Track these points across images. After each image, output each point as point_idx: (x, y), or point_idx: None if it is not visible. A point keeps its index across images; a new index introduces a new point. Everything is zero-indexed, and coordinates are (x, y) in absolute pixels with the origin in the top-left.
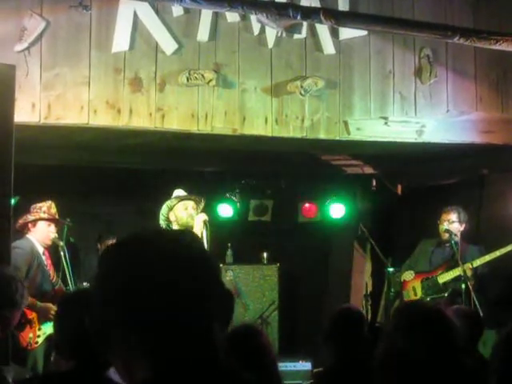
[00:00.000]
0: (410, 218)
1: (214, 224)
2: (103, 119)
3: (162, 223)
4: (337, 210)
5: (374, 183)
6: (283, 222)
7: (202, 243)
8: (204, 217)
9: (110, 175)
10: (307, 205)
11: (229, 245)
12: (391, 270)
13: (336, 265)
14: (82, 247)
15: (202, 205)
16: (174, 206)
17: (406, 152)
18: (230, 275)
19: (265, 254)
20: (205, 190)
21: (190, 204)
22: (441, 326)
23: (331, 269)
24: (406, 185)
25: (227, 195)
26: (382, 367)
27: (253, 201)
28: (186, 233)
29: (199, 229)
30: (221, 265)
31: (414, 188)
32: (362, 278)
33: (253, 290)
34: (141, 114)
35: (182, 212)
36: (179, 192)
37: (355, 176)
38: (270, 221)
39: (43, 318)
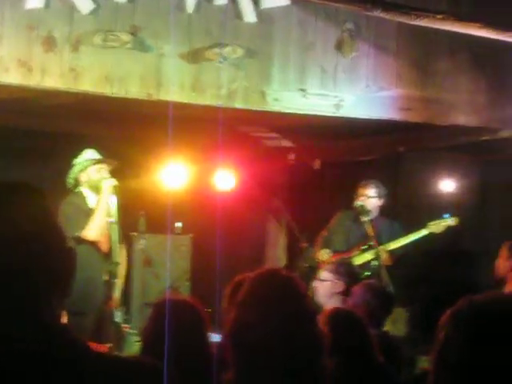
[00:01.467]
0: (326, 193)
1: (126, 190)
2: (14, 78)
3: (70, 182)
4: (251, 182)
5: (292, 157)
6: (198, 192)
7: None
8: (113, 182)
9: (18, 137)
10: (222, 175)
11: (141, 213)
12: (305, 244)
13: (249, 237)
14: None
15: (111, 168)
16: (88, 167)
17: (324, 126)
18: (142, 244)
19: (178, 224)
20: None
21: (105, 167)
22: (292, 294)
23: (244, 241)
24: (324, 160)
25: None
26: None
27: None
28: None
29: (107, 194)
30: (133, 233)
31: (332, 163)
32: (276, 252)
33: (165, 259)
34: (53, 74)
35: (95, 174)
36: (91, 153)
37: (273, 149)
38: (184, 190)
39: None
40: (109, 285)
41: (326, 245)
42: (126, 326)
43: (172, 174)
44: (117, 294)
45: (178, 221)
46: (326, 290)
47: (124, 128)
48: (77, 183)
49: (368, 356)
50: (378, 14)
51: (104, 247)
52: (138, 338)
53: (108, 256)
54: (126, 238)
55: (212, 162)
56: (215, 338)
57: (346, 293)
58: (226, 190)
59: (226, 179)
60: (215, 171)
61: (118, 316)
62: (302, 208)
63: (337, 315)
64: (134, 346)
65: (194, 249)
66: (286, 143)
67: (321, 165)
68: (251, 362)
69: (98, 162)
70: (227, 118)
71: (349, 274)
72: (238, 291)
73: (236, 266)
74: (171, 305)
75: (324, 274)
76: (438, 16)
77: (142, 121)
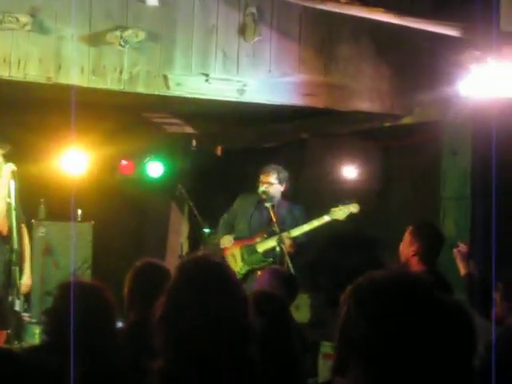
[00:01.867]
0: (229, 180)
1: (25, 177)
2: None
3: None
4: (154, 169)
5: (194, 143)
6: (100, 179)
7: None
8: (12, 167)
9: None
10: (125, 162)
11: (41, 200)
12: (207, 231)
13: (152, 225)
14: None
15: (4, 152)
16: None
17: (228, 112)
18: (42, 232)
19: (79, 211)
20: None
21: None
22: (223, 279)
23: (147, 229)
24: (226, 146)
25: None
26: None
27: (67, 154)
28: None
29: (6, 179)
30: (32, 220)
31: (234, 150)
32: (178, 239)
33: (66, 247)
34: None
35: None
36: None
37: (175, 135)
38: (85, 177)
39: None
40: (8, 272)
41: (228, 229)
42: (25, 314)
43: (72, 161)
44: (22, 280)
45: (79, 208)
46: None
47: (22, 113)
48: None
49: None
50: None
51: (3, 233)
52: (37, 327)
53: (6, 242)
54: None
55: (113, 148)
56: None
57: None
58: (128, 177)
59: (127, 166)
60: (116, 158)
61: (18, 304)
62: (205, 195)
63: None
64: (34, 335)
65: (95, 236)
66: (189, 129)
67: (224, 152)
68: (182, 349)
69: None
70: (130, 103)
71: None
72: (140, 277)
73: (138, 253)
74: (77, 287)
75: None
76: (343, 0)
77: (42, 106)
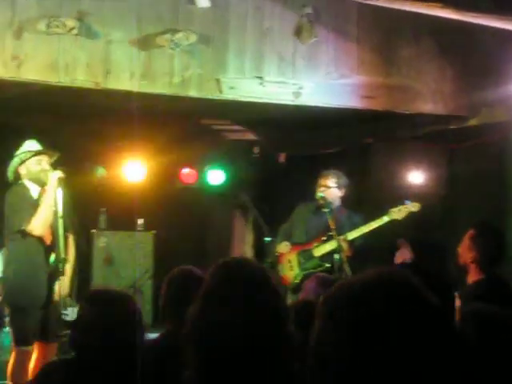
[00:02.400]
0: (292, 188)
1: (85, 187)
2: None
3: (10, 176)
4: (216, 177)
5: (257, 150)
6: (161, 187)
7: None
8: (59, 174)
9: None
10: (186, 170)
11: (102, 209)
12: (268, 239)
13: (215, 234)
14: None
15: (54, 159)
16: (28, 159)
17: (284, 116)
18: (103, 241)
19: (140, 221)
20: (76, 151)
21: (45, 159)
22: (264, 288)
23: (210, 238)
24: (289, 153)
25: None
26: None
27: (127, 163)
28: None
29: (53, 187)
30: (93, 230)
31: (297, 156)
32: (243, 249)
33: (126, 257)
34: None
35: (34, 166)
36: (32, 144)
37: (237, 142)
38: (145, 185)
39: None
40: (54, 282)
41: (286, 237)
42: None
43: (133, 170)
44: (66, 291)
45: (140, 217)
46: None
47: (84, 122)
48: (17, 176)
49: None
50: None
51: (48, 242)
52: None
53: (52, 251)
54: (86, 236)
55: (174, 156)
56: None
57: None
58: (190, 186)
59: (188, 174)
60: (177, 166)
61: (69, 315)
62: (268, 203)
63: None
64: None
65: (156, 246)
66: (251, 136)
67: (287, 158)
68: (214, 363)
69: (37, 153)
70: (186, 109)
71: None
72: (173, 285)
73: (201, 262)
74: (99, 297)
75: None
76: None
77: (102, 114)
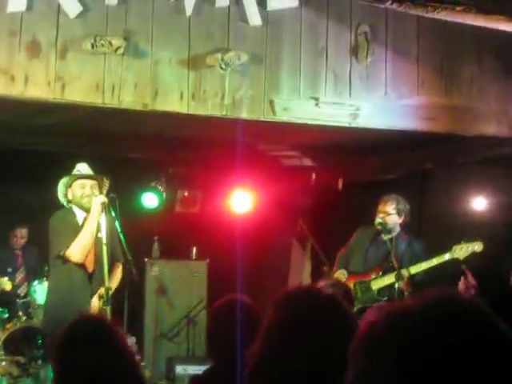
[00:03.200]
0: (350, 215)
1: (137, 214)
2: None
3: (63, 200)
4: (273, 204)
5: (314, 176)
6: (214, 215)
7: None
8: (102, 199)
9: (21, 158)
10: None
11: (155, 238)
12: (327, 267)
13: (272, 262)
14: None
15: (107, 186)
16: (72, 183)
17: (341, 140)
18: (156, 271)
19: (193, 249)
20: (128, 178)
21: (89, 183)
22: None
23: (267, 266)
24: (347, 179)
25: (152, 184)
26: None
27: (180, 191)
28: None
29: (97, 213)
30: (146, 259)
31: (355, 182)
32: (301, 278)
33: (180, 287)
34: (38, 83)
35: (77, 191)
36: (82, 167)
37: (293, 168)
38: (198, 213)
39: None
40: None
41: (344, 264)
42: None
43: (187, 198)
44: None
45: (193, 245)
46: None
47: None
48: (68, 201)
49: None
50: (389, 5)
51: (90, 269)
52: (149, 371)
53: (94, 278)
54: (138, 265)
55: (228, 182)
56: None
57: None
58: (244, 213)
59: (243, 201)
60: (231, 193)
61: None
62: (326, 231)
63: None
64: None
65: (210, 275)
66: (307, 162)
67: (345, 184)
68: None
69: (82, 177)
70: (233, 132)
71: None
72: (219, 317)
73: (257, 293)
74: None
75: None
76: (458, 8)
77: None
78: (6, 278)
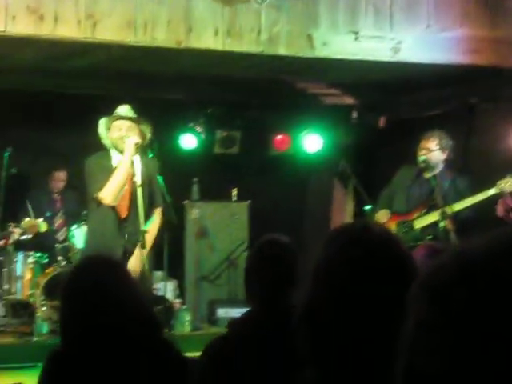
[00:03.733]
0: (392, 154)
1: (176, 156)
2: (23, 27)
3: (105, 143)
4: (313, 143)
5: (355, 115)
6: (253, 156)
7: None
8: (135, 140)
9: (59, 102)
10: (279, 136)
11: (195, 179)
12: (368, 207)
13: (313, 204)
14: (27, 180)
15: (147, 128)
16: (110, 125)
17: (382, 77)
18: (196, 213)
19: (234, 191)
20: (166, 119)
21: (126, 125)
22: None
23: (307, 208)
24: (389, 117)
25: (191, 125)
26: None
27: (219, 131)
28: None
29: (129, 154)
30: (185, 202)
31: (397, 120)
32: (343, 219)
33: (220, 229)
34: (68, 22)
35: (114, 133)
36: (122, 109)
37: (334, 106)
38: (238, 154)
39: None
40: (130, 255)
41: (387, 204)
42: (177, 301)
43: (224, 138)
44: (146, 265)
45: (234, 187)
46: None
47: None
48: (106, 142)
49: None
50: None
51: (124, 213)
52: (189, 314)
53: (128, 223)
54: (178, 208)
55: (266, 123)
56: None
57: None
58: (283, 152)
59: (281, 141)
60: (270, 133)
61: (168, 290)
62: (368, 170)
63: None
64: (184, 323)
65: (251, 216)
66: (349, 100)
67: (387, 123)
68: (342, 353)
69: (119, 118)
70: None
71: None
72: (258, 258)
73: (299, 234)
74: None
75: None
76: None
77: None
78: (41, 219)
